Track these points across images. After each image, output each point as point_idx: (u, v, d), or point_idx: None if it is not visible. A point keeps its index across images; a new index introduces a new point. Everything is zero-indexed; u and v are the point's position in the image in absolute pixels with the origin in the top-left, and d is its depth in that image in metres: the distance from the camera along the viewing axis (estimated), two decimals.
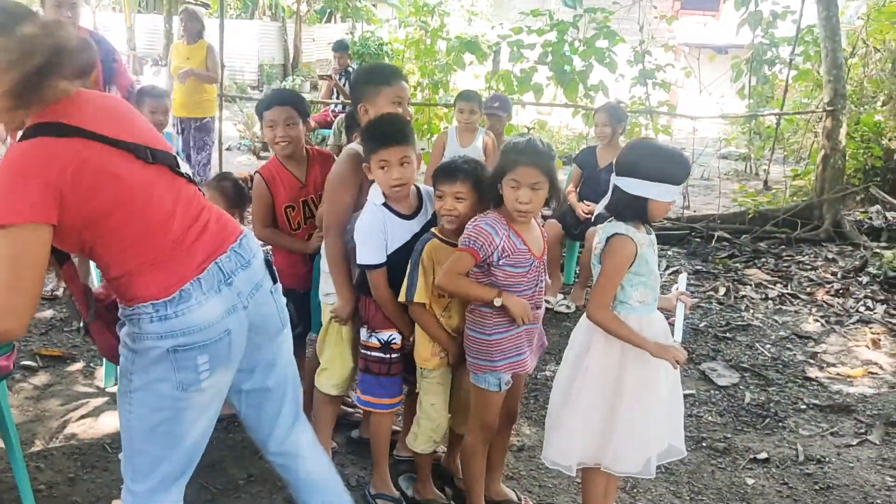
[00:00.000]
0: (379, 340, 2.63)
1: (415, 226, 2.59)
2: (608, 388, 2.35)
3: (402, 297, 2.52)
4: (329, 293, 2.72)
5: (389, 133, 2.49)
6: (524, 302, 2.39)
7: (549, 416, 2.51)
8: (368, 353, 2.65)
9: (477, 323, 2.46)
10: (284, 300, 2.02)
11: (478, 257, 2.34)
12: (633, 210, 2.33)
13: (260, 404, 2.04)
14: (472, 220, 2.41)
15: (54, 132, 1.58)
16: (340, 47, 8.56)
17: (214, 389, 1.83)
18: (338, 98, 8.16)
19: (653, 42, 8.27)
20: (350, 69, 8.25)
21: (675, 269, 5.87)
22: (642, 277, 2.35)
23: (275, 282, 1.96)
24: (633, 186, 2.29)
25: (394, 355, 2.64)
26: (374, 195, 2.55)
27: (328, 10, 22.52)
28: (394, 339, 2.63)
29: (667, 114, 8.10)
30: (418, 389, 2.67)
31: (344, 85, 8.00)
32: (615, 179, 2.37)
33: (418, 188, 2.67)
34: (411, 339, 2.63)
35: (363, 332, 2.67)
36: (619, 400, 2.34)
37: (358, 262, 2.56)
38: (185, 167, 1.87)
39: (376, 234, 2.52)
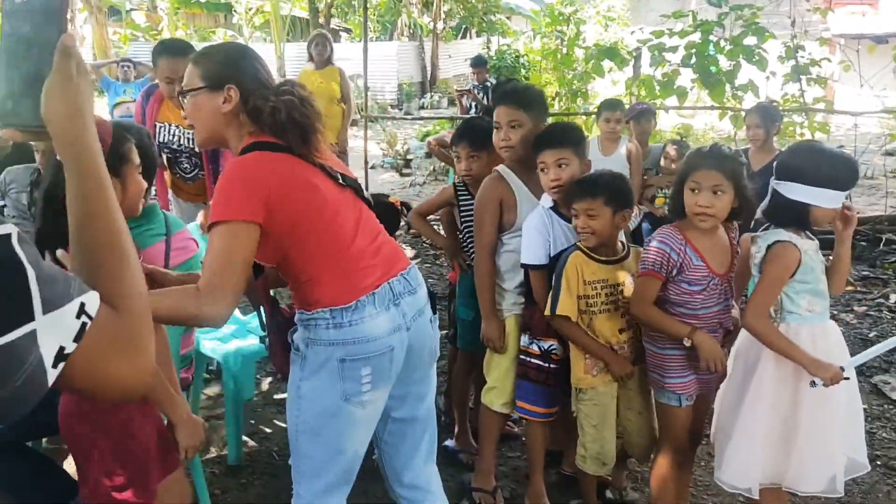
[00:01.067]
0: (539, 348, 2.64)
1: None
2: (784, 401, 2.26)
3: (546, 311, 2.52)
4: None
5: (545, 137, 2.57)
6: (716, 347, 2.31)
7: (720, 434, 2.42)
8: (528, 359, 2.67)
9: (651, 335, 2.44)
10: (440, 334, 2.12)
11: (662, 278, 2.32)
12: (794, 216, 2.25)
13: (403, 434, 2.09)
14: (649, 238, 2.42)
15: (271, 148, 1.82)
16: (478, 62, 8.70)
17: (373, 407, 1.92)
18: (477, 112, 8.28)
19: (805, 36, 7.82)
20: (488, 83, 8.36)
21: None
22: (809, 285, 2.25)
23: (434, 313, 2.06)
24: (796, 191, 2.21)
25: (553, 365, 2.63)
26: (545, 198, 2.62)
27: (463, 26, 22.91)
28: (554, 348, 2.63)
29: (824, 111, 7.64)
30: (574, 410, 2.63)
31: (483, 98, 8.11)
32: (775, 184, 2.29)
33: None
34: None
35: (524, 338, 2.69)
36: (798, 414, 2.24)
37: (521, 261, 2.62)
38: (366, 194, 2.04)
39: (539, 234, 2.56)
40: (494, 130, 2.68)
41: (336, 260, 1.85)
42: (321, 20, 18.01)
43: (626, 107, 5.12)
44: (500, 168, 2.71)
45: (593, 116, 6.11)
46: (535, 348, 2.64)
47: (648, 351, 2.45)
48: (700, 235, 2.32)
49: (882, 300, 5.06)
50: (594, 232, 2.46)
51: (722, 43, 6.84)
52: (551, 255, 2.57)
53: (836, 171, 2.22)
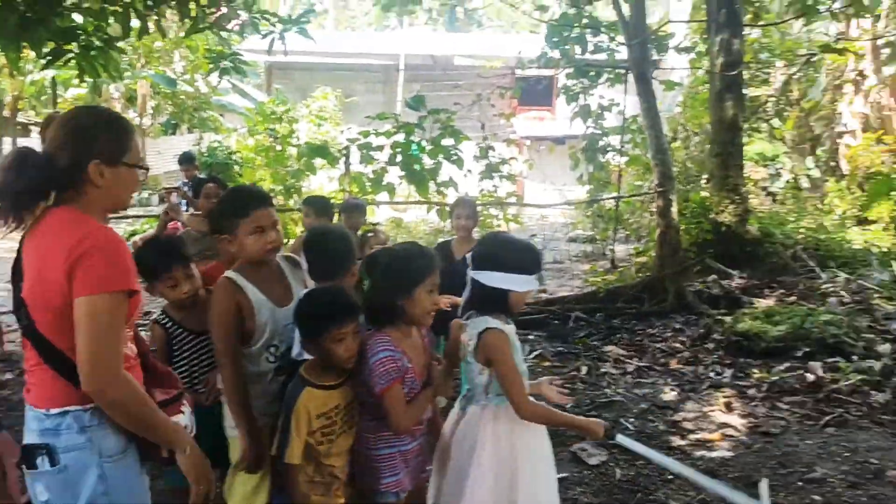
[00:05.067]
0: None
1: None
2: (503, 481, 2.36)
3: (273, 451, 2.34)
4: (233, 426, 2.48)
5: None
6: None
7: None
8: None
9: (361, 440, 2.40)
10: (41, 497, 1.84)
11: (402, 382, 2.29)
12: (494, 302, 2.40)
13: None
14: (368, 355, 2.30)
15: None
16: (186, 159, 8.39)
17: None
18: (187, 209, 7.94)
19: (495, 138, 8.71)
20: (199, 178, 8.10)
21: (538, 352, 6.00)
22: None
23: (30, 468, 1.84)
24: (494, 279, 2.36)
25: None
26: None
27: (174, 122, 22.18)
28: None
29: (516, 204, 8.47)
30: None
31: (192, 195, 7.81)
32: (473, 274, 2.43)
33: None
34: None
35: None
36: (516, 493, 2.36)
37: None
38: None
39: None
40: (258, 234, 2.44)
41: None
42: (7, 113, 16.36)
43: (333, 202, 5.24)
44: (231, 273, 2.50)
45: None
46: None
47: (361, 456, 2.39)
48: (403, 338, 2.35)
49: (575, 372, 5.58)
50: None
51: (423, 143, 7.35)
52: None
53: (525, 256, 2.42)
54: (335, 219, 5.03)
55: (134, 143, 1.93)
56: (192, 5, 5.40)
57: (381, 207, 8.52)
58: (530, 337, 6.45)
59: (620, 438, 2.52)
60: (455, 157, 7.37)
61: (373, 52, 18.64)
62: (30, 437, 1.83)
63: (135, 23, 5.28)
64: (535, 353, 6.00)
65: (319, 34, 19.25)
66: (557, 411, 2.40)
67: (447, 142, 7.24)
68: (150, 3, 5.24)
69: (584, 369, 5.62)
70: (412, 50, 18.21)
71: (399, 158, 6.96)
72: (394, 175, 7.59)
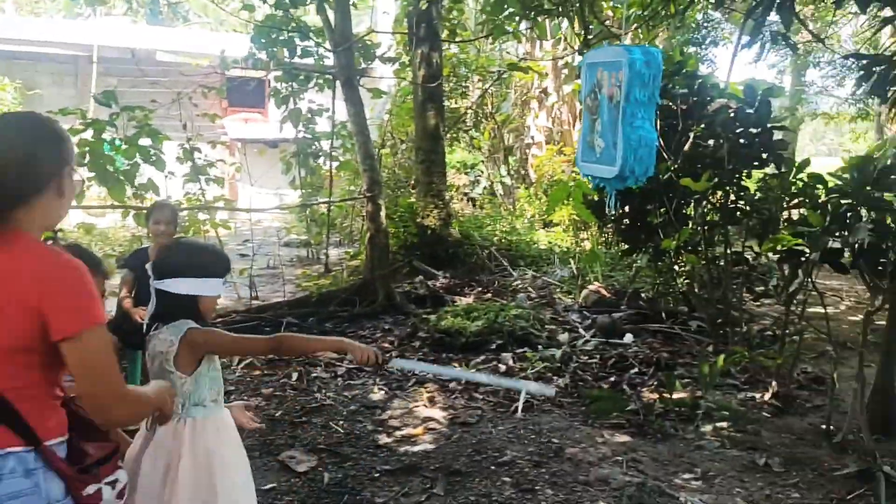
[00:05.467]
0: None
1: None
2: (202, 493, 2.29)
3: None
4: None
5: None
6: None
7: None
8: None
9: None
10: None
11: None
12: (185, 310, 2.34)
13: None
14: None
15: None
16: None
17: None
18: None
19: (201, 139, 8.31)
20: None
21: (247, 360, 5.82)
22: (216, 373, 2.40)
23: None
24: (182, 286, 2.31)
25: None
26: None
27: None
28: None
29: (224, 208, 8.15)
30: None
31: None
32: (157, 284, 2.35)
33: None
34: None
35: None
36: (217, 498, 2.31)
37: None
38: None
39: None
40: None
41: None
42: None
43: None
44: None
45: None
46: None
47: None
48: None
49: (286, 379, 5.50)
50: None
51: (118, 142, 6.76)
52: None
53: (211, 260, 2.40)
54: None
55: None
56: None
57: (69, 213, 7.68)
58: None
59: (395, 362, 2.69)
60: (154, 158, 6.89)
61: (61, 41, 16.80)
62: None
63: None
64: (246, 362, 5.81)
65: None
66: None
67: (144, 141, 6.74)
68: None
69: (294, 375, 5.56)
70: (108, 42, 16.73)
71: (88, 159, 6.34)
72: (82, 176, 6.89)
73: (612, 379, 5.60)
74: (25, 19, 21.99)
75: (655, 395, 5.13)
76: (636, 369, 5.79)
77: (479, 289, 8.25)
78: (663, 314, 6.99)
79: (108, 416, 1.71)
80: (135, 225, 7.72)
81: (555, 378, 5.56)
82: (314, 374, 5.61)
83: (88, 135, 6.37)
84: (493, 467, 4.06)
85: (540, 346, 6.19)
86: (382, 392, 5.28)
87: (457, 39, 10.76)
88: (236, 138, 15.56)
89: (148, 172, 6.97)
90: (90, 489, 1.71)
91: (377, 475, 3.97)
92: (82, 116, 6.58)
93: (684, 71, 6.23)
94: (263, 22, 8.37)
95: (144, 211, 5.99)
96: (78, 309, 1.62)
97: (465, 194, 12.39)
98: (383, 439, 4.46)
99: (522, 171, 13.81)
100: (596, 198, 6.83)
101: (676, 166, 6.09)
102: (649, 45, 4.03)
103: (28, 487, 1.62)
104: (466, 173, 12.68)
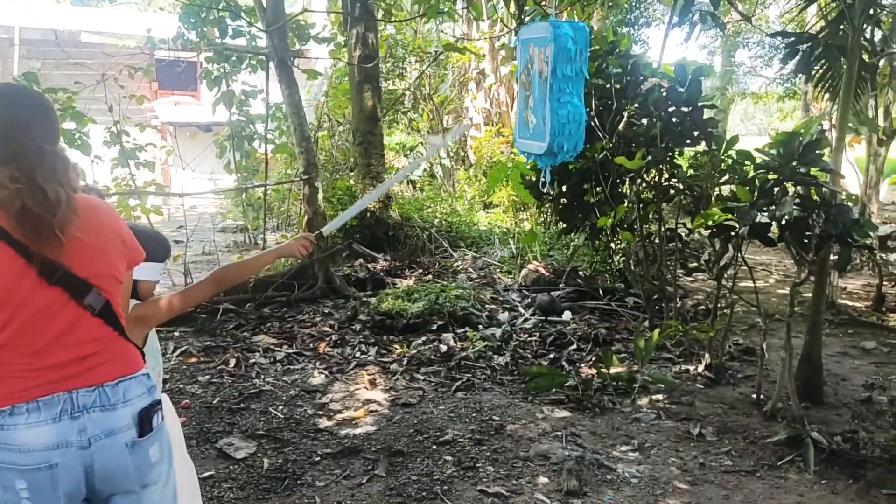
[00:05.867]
0: None
1: None
2: None
3: None
4: None
5: None
6: None
7: None
8: None
9: None
10: (154, 458, 1.90)
11: None
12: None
13: None
14: None
15: None
16: None
17: None
18: None
19: (129, 122, 8.03)
20: None
21: (183, 348, 5.69)
22: (154, 359, 2.43)
23: (146, 433, 1.87)
24: None
25: None
26: None
27: None
28: None
29: (155, 193, 7.92)
30: None
31: None
32: None
33: None
34: None
35: None
36: None
37: None
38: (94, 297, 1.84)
39: None
40: None
41: (4, 360, 1.75)
42: None
43: None
44: None
45: None
46: None
47: None
48: None
49: (223, 366, 5.40)
50: None
51: None
52: None
53: (150, 245, 2.34)
54: None
55: None
56: None
57: None
58: (175, 333, 6.10)
59: (324, 230, 2.81)
60: (80, 143, 6.64)
61: None
62: (141, 402, 1.87)
63: None
64: (181, 350, 5.69)
65: None
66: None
67: (68, 125, 6.49)
68: None
69: (231, 362, 5.46)
70: (30, 23, 16.07)
71: None
72: None
73: (552, 356, 5.67)
74: None
75: (593, 371, 5.22)
76: (575, 346, 5.87)
77: (420, 271, 8.23)
78: (601, 291, 7.10)
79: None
80: None
81: (495, 357, 5.60)
82: (252, 360, 5.52)
83: None
84: (434, 447, 4.07)
85: (481, 326, 6.23)
86: (323, 376, 5.24)
87: (392, 20, 10.65)
88: (168, 122, 15.14)
89: (73, 157, 6.72)
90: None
91: (318, 459, 3.94)
92: None
93: (618, 51, 6.30)
94: (192, 1, 8.12)
95: None
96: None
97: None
98: (324, 423, 4.42)
99: (462, 153, 13.81)
100: (533, 178, 6.88)
101: (611, 145, 6.17)
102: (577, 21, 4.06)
103: (158, 402, 1.93)
104: (406, 155, 12.62)
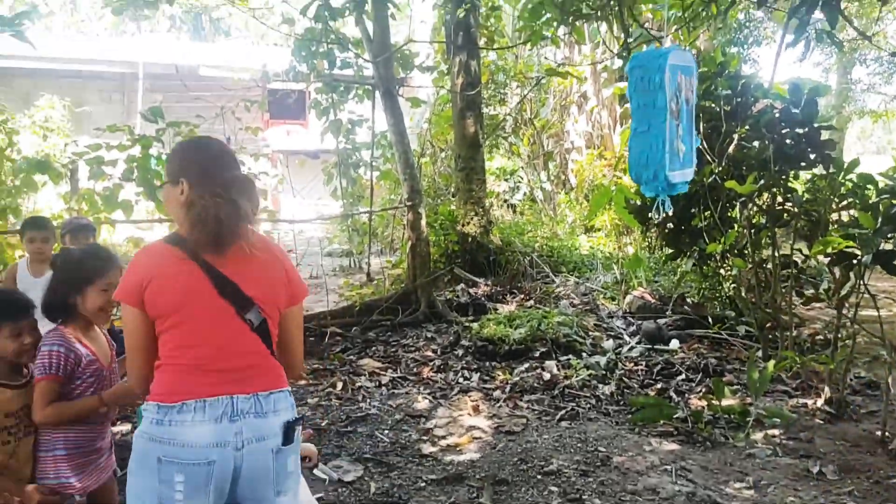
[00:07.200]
0: None
1: None
2: None
3: None
4: None
5: None
6: (125, 387, 2.47)
7: None
8: None
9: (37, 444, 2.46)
10: (290, 468, 2.08)
11: (60, 379, 2.39)
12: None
13: None
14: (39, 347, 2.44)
15: (172, 241, 2.04)
16: None
17: None
18: None
19: (245, 151, 8.44)
20: None
21: None
22: None
23: (288, 444, 2.04)
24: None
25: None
26: None
27: None
28: None
29: (267, 220, 8.26)
30: None
31: None
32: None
33: None
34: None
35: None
36: None
37: None
38: (254, 314, 2.06)
39: None
40: None
41: (176, 359, 1.95)
42: None
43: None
44: None
45: None
46: None
47: (41, 456, 2.46)
48: (84, 333, 2.50)
49: (331, 389, 5.55)
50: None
51: (164, 157, 6.92)
52: None
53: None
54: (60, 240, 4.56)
55: None
56: None
57: (118, 227, 7.86)
58: None
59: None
60: None
61: (107, 58, 17.27)
62: (288, 414, 2.05)
63: None
64: None
65: (44, 38, 17.49)
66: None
67: None
68: None
69: (339, 385, 5.60)
70: (153, 58, 17.15)
71: (136, 174, 6.48)
72: (130, 191, 7.05)
73: (659, 386, 5.52)
74: (73, 38, 22.64)
75: (704, 402, 5.04)
76: (683, 376, 5.70)
77: (521, 296, 8.21)
78: (710, 319, 6.87)
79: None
80: None
81: (600, 386, 5.50)
82: (358, 384, 5.64)
83: (136, 151, 6.52)
84: (539, 476, 4.03)
85: (584, 354, 6.14)
86: (427, 401, 5.29)
87: (495, 47, 10.75)
88: (278, 150, 15.77)
89: None
90: None
91: (423, 484, 3.97)
92: (130, 133, 6.73)
93: (727, 72, 6.14)
94: (303, 35, 8.47)
95: None
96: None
97: (506, 201, 12.37)
98: (428, 448, 4.46)
99: (563, 177, 13.73)
100: (638, 202, 6.76)
101: (720, 169, 6.00)
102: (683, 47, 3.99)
103: (301, 418, 2.10)
104: (506, 180, 12.65)
